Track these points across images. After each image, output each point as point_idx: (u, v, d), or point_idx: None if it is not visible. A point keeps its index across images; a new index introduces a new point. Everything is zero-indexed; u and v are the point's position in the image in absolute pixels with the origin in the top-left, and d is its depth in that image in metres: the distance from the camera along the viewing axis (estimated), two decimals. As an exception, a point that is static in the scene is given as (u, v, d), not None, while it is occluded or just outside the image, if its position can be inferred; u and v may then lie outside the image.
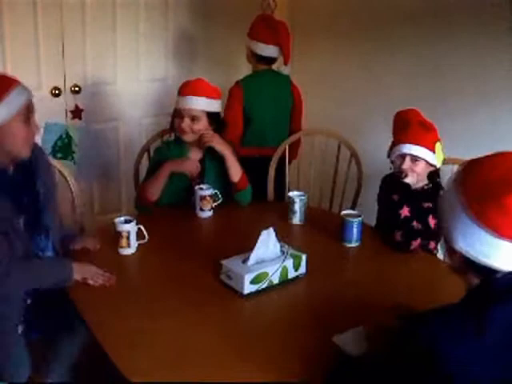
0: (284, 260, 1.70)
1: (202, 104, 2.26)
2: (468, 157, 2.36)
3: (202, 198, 2.22)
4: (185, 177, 2.28)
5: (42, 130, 3.02)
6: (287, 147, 2.73)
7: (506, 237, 1.03)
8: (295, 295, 1.71)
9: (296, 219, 2.21)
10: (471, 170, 1.11)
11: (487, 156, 1.12)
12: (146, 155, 2.65)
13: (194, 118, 2.26)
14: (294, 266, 1.73)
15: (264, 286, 1.66)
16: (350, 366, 1.30)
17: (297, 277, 1.75)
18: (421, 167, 2.01)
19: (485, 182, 1.06)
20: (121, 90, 3.30)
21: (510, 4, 2.41)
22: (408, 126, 1.99)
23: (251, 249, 1.67)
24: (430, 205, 1.99)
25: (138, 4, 3.23)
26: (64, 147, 3.11)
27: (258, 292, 1.65)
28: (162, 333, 1.48)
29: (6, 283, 1.55)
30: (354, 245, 2.01)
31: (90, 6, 3.05)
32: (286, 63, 2.93)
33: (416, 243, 1.95)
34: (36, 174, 1.76)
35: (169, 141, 2.53)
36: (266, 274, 1.66)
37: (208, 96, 2.27)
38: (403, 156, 2.00)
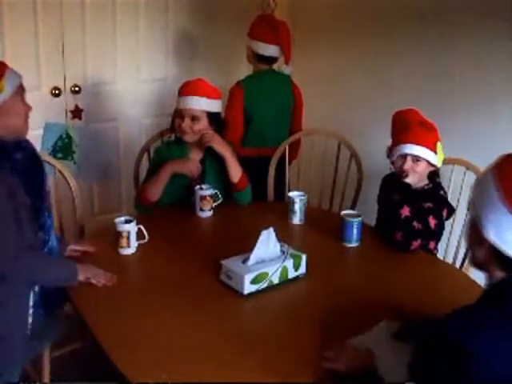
0: (284, 260, 1.70)
1: (202, 104, 2.26)
2: (468, 157, 2.37)
3: (202, 197, 2.22)
4: (185, 177, 2.28)
5: (42, 130, 3.03)
6: (287, 147, 2.74)
7: None
8: (295, 295, 1.72)
9: (296, 219, 2.21)
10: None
11: None
12: (146, 155, 2.65)
13: (194, 118, 2.26)
14: (293, 266, 1.73)
15: (264, 286, 1.66)
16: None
17: (297, 277, 1.75)
18: (422, 167, 2.01)
19: None
20: (121, 90, 3.30)
21: (511, 5, 2.41)
22: (408, 126, 1.99)
23: (251, 249, 1.67)
24: (431, 205, 1.98)
25: (138, 4, 3.22)
26: (64, 147, 3.11)
27: (258, 292, 1.65)
28: (161, 333, 1.48)
29: (15, 266, 1.52)
30: (353, 245, 2.01)
31: (89, 5, 3.05)
32: (287, 62, 2.93)
33: (416, 243, 1.95)
34: (40, 160, 1.78)
35: (169, 141, 2.53)
36: (266, 274, 1.66)
37: (209, 96, 2.27)
38: (404, 156, 2.00)
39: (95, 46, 3.12)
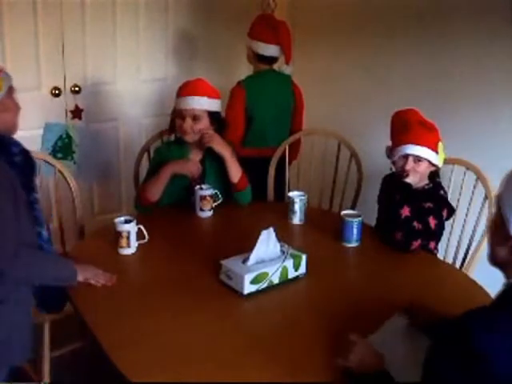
0: (284, 260, 1.70)
1: (203, 103, 2.26)
2: (468, 157, 2.37)
3: (202, 198, 2.22)
4: (185, 177, 2.28)
5: (42, 130, 3.03)
6: (287, 147, 2.74)
7: None
8: (295, 295, 1.72)
9: (296, 219, 2.21)
10: None
11: None
12: (146, 155, 2.65)
13: (195, 118, 2.26)
14: (293, 266, 1.73)
15: (264, 286, 1.66)
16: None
17: (297, 277, 1.75)
18: (423, 167, 2.00)
19: None
20: (121, 90, 3.30)
21: (511, 5, 2.41)
22: (409, 127, 1.98)
23: (251, 249, 1.67)
24: (431, 205, 1.98)
25: (138, 4, 3.22)
26: (64, 147, 3.11)
27: (257, 292, 1.65)
28: (161, 333, 1.48)
29: (14, 264, 1.51)
30: (353, 245, 2.01)
31: (89, 5, 3.05)
32: (287, 62, 2.93)
33: (416, 243, 1.94)
34: (29, 153, 1.77)
35: (169, 141, 2.53)
36: (266, 274, 1.66)
37: (209, 96, 2.27)
38: (406, 156, 2.00)
39: (95, 46, 3.12)
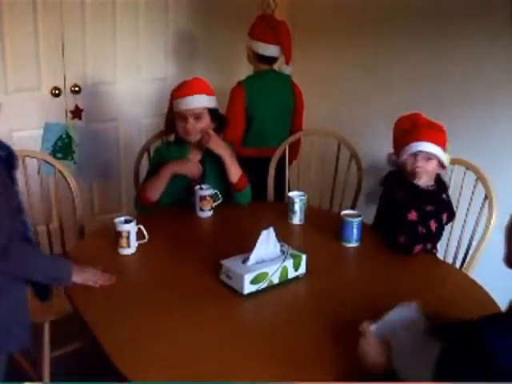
0: (284, 260, 1.70)
1: (203, 101, 2.26)
2: (468, 157, 2.37)
3: (202, 198, 2.22)
4: (185, 177, 2.28)
5: (42, 130, 3.03)
6: (287, 147, 2.74)
7: None
8: (295, 295, 1.72)
9: (296, 219, 2.21)
10: None
11: None
12: (146, 155, 2.65)
13: (197, 117, 2.26)
14: (293, 266, 1.73)
15: (264, 286, 1.66)
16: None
17: (297, 277, 1.75)
18: (433, 166, 1.97)
19: None
20: (121, 90, 3.30)
21: (511, 5, 2.41)
22: (419, 127, 1.95)
23: (251, 249, 1.67)
24: (432, 208, 1.96)
25: (138, 4, 3.23)
26: (64, 147, 3.12)
27: (257, 292, 1.65)
28: (161, 333, 1.48)
29: (5, 257, 1.50)
30: (353, 245, 2.01)
31: (89, 5, 3.05)
32: (287, 62, 2.93)
33: (419, 247, 1.93)
34: (10, 147, 1.72)
35: (169, 141, 2.53)
36: (265, 274, 1.66)
37: (207, 93, 2.28)
38: (415, 155, 1.96)
39: (95, 46, 3.13)
